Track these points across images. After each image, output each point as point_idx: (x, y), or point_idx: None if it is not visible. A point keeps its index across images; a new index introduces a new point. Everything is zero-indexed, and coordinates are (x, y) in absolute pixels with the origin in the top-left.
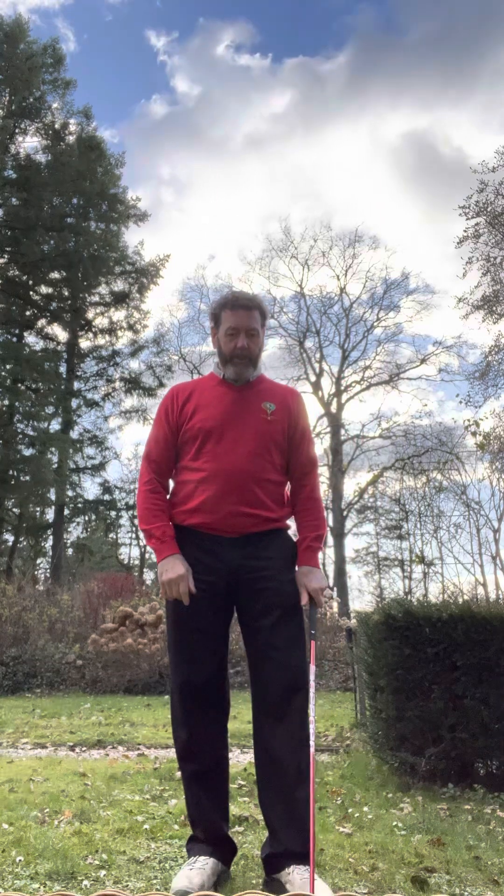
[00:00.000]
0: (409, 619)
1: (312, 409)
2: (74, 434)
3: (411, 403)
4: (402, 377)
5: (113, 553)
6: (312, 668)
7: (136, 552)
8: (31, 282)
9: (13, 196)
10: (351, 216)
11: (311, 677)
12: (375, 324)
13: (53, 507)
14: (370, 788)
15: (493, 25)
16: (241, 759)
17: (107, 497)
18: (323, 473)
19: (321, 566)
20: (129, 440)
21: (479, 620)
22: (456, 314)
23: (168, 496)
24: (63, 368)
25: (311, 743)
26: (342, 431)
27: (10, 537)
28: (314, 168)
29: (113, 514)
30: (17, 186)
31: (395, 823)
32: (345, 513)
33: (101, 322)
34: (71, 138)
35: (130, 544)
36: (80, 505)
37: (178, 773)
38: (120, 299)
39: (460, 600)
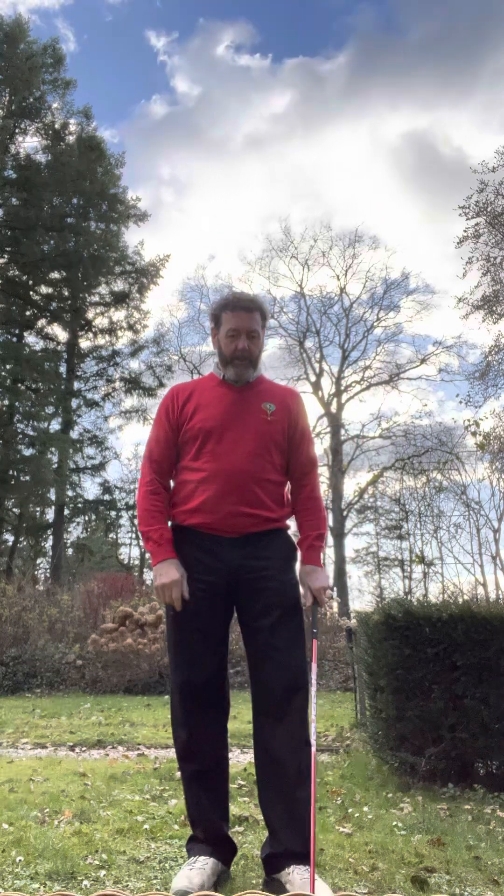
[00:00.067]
0: (409, 619)
1: (312, 409)
2: (74, 434)
3: (411, 403)
4: (402, 377)
5: (113, 553)
6: (314, 667)
7: (136, 552)
8: (31, 282)
9: (13, 196)
10: (351, 216)
11: (313, 676)
12: (375, 324)
13: (53, 507)
14: (370, 788)
15: (493, 25)
16: (241, 759)
17: (107, 497)
18: (323, 473)
19: (323, 565)
20: (129, 440)
21: (479, 620)
22: (456, 314)
23: (168, 496)
24: (63, 368)
25: (313, 742)
26: (342, 431)
27: (10, 537)
28: (314, 168)
29: (113, 514)
30: (17, 186)
31: (395, 823)
32: (345, 513)
33: (101, 322)
34: (71, 138)
35: (130, 544)
36: (80, 505)
37: (178, 773)
38: (120, 299)
39: (460, 600)
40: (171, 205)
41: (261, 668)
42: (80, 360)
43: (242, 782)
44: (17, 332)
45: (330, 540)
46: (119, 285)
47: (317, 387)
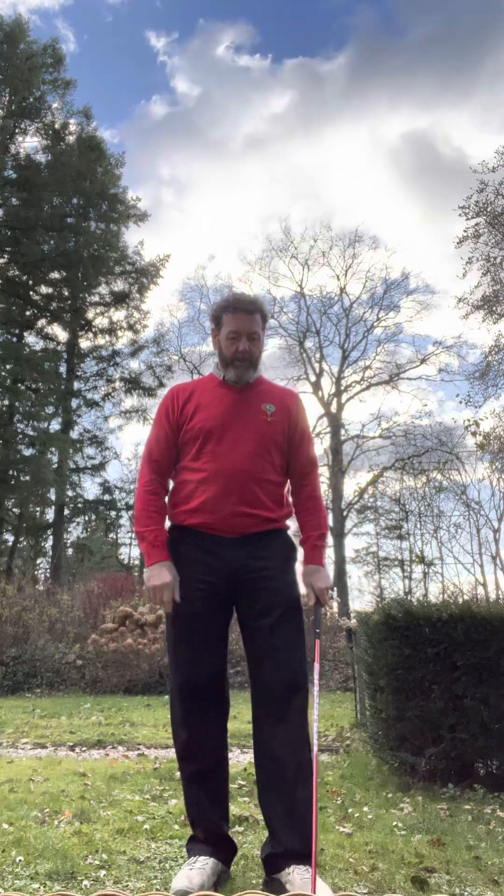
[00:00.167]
0: (409, 619)
1: (312, 409)
2: (74, 434)
3: (411, 403)
4: (402, 377)
5: (113, 553)
6: (316, 667)
7: (136, 552)
8: (31, 282)
9: (13, 196)
10: (351, 216)
11: (316, 676)
12: (375, 324)
13: (53, 507)
14: (370, 788)
15: (493, 25)
16: (241, 759)
17: (107, 497)
18: (323, 473)
19: (325, 565)
20: (129, 440)
21: (479, 620)
22: (456, 314)
23: (167, 496)
24: (63, 368)
25: (315, 742)
26: (342, 431)
27: (10, 537)
28: (314, 168)
29: (113, 514)
30: (17, 186)
31: (395, 823)
32: (345, 513)
33: (101, 322)
34: (71, 138)
35: (130, 544)
36: (80, 505)
37: (178, 773)
38: (120, 299)
39: (460, 600)
40: (171, 205)
41: (260, 668)
42: (80, 360)
43: (242, 782)
44: (17, 332)
45: (330, 540)
46: (119, 285)
47: (317, 387)
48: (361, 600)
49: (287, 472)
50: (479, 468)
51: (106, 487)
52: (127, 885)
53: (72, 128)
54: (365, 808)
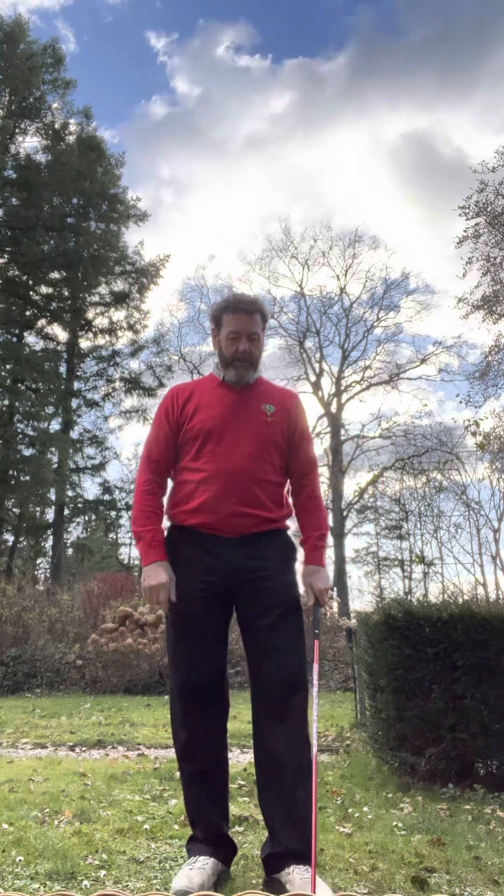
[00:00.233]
0: (409, 619)
1: (312, 409)
2: (74, 434)
3: (411, 403)
4: (402, 377)
5: (113, 553)
6: (315, 667)
7: (136, 552)
8: (31, 282)
9: (13, 196)
10: (351, 216)
11: (315, 676)
12: (375, 324)
13: (53, 507)
14: (370, 788)
15: (493, 26)
16: (241, 759)
17: (107, 497)
18: (323, 473)
19: (325, 565)
20: (129, 440)
21: (479, 620)
22: (456, 314)
23: (166, 496)
24: (63, 368)
25: (314, 742)
26: (342, 431)
27: (10, 537)
28: (314, 168)
29: (113, 514)
30: (17, 186)
31: (395, 823)
32: (345, 513)
33: (101, 322)
34: (71, 138)
35: (130, 544)
36: (80, 505)
37: (178, 773)
38: (120, 299)
39: (460, 600)
40: (171, 205)
41: (260, 668)
42: (80, 360)
43: (242, 782)
44: (17, 332)
45: (330, 540)
46: (119, 285)
47: (317, 387)
48: (361, 600)
49: (287, 472)
50: (479, 468)
51: (106, 487)
52: (127, 885)
53: (72, 128)
54: (365, 808)
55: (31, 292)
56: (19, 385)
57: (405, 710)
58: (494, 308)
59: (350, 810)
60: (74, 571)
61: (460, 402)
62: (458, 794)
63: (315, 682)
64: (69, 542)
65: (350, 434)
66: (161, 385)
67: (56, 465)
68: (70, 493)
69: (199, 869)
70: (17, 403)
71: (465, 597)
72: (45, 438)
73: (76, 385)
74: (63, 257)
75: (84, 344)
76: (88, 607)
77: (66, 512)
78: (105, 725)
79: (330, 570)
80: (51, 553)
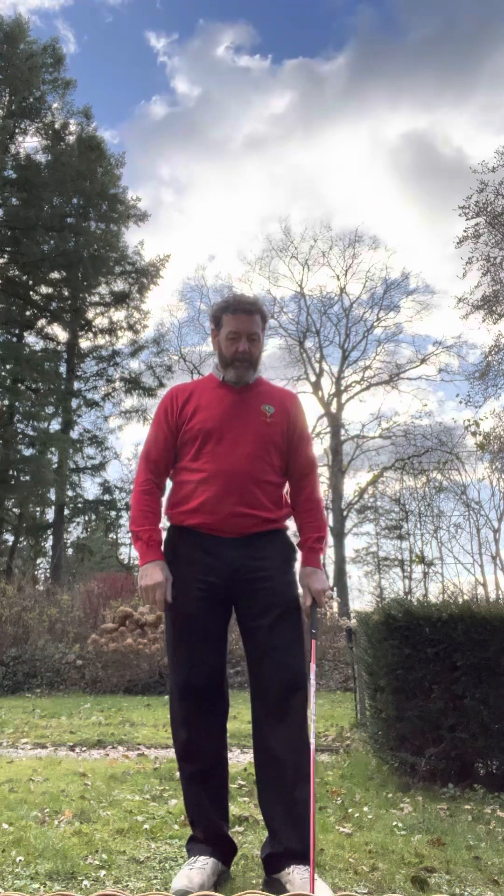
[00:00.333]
0: (409, 619)
1: (312, 409)
2: (74, 434)
3: (411, 403)
4: (402, 377)
5: (113, 553)
6: (313, 668)
7: (135, 552)
8: (31, 282)
9: (13, 196)
10: (351, 216)
11: (312, 676)
12: (375, 324)
13: (53, 507)
14: (370, 788)
15: (493, 26)
16: (241, 759)
17: (107, 497)
18: (323, 473)
19: (322, 567)
20: (129, 440)
21: (479, 620)
22: (456, 314)
23: (164, 497)
24: (63, 368)
25: (312, 742)
26: (342, 431)
27: (10, 537)
28: (314, 168)
29: (113, 514)
30: (17, 186)
31: (395, 823)
32: (345, 513)
33: (101, 322)
34: (71, 138)
35: (130, 544)
36: (80, 505)
37: (178, 773)
38: (120, 299)
39: (460, 600)
40: (171, 205)
41: (260, 668)
42: (80, 360)
43: (242, 782)
44: (17, 332)
45: (330, 540)
46: (119, 285)
47: (317, 387)
48: (361, 600)
49: (286, 473)
50: (479, 468)
51: (106, 487)
52: (127, 885)
53: (72, 128)
54: (365, 808)
55: (31, 292)
56: (19, 385)
57: (405, 710)
58: (494, 308)
59: (350, 810)
60: (74, 571)
61: (460, 402)
62: (458, 794)
63: (312, 681)
64: (69, 542)
65: (350, 434)
66: (161, 385)
67: (56, 465)
68: (70, 493)
69: (199, 869)
70: (17, 403)
71: (465, 597)
72: (45, 438)
73: (76, 385)
74: (63, 257)
75: (84, 344)
76: (88, 607)
77: (66, 512)
78: (105, 725)
79: (330, 570)
80: (51, 553)
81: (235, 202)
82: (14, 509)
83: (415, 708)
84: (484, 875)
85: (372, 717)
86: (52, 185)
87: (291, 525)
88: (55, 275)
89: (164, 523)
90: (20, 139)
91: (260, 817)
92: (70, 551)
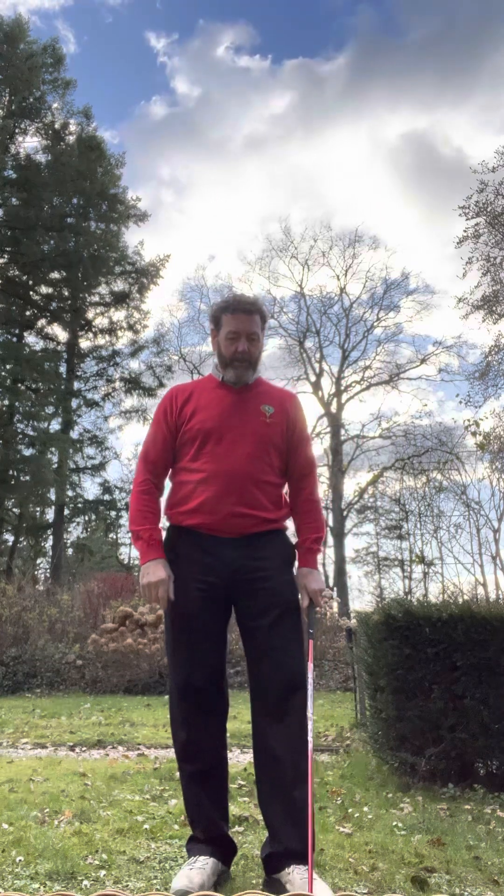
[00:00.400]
0: (409, 619)
1: (312, 409)
2: (74, 434)
3: (411, 403)
4: (402, 377)
5: (113, 553)
6: (310, 667)
7: (135, 552)
8: (31, 282)
9: (13, 196)
10: (351, 216)
11: (310, 676)
12: (375, 324)
13: (53, 507)
14: (370, 788)
15: (493, 26)
16: (241, 759)
17: (107, 497)
18: (323, 473)
19: (320, 567)
20: (129, 440)
21: (479, 620)
22: (456, 314)
23: (164, 497)
24: (63, 368)
25: (310, 742)
26: (342, 431)
27: (10, 537)
28: (314, 169)
29: (113, 514)
30: (17, 186)
31: (395, 823)
32: (345, 513)
33: (101, 322)
34: (71, 138)
35: (130, 544)
36: (80, 505)
37: (178, 773)
38: (120, 299)
39: (460, 600)
40: (171, 205)
41: (259, 668)
42: (80, 360)
43: (242, 782)
44: (17, 332)
45: (330, 540)
46: (119, 285)
47: (317, 387)
48: (361, 600)
49: (285, 473)
50: (479, 468)
51: (106, 487)
52: (127, 885)
53: (72, 128)
54: (365, 808)
55: (31, 292)
56: (19, 385)
57: (405, 710)
58: (494, 308)
59: (350, 810)
60: (74, 571)
61: (460, 402)
62: (458, 794)
63: (310, 681)
64: (69, 542)
65: (350, 434)
66: (161, 385)
67: (56, 465)
68: (70, 493)
69: (199, 869)
70: (17, 403)
71: (465, 597)
72: (45, 438)
73: (76, 385)
74: (63, 257)
75: (84, 344)
76: (88, 607)
77: (66, 512)
78: (105, 725)
79: (330, 570)
80: (51, 553)
81: (235, 202)
82: (14, 509)
83: (415, 708)
84: (484, 875)
85: (372, 717)
86: (52, 185)
87: (291, 525)
88: (55, 275)
89: (164, 523)
90: (20, 139)
91: (260, 817)
92: (70, 551)
